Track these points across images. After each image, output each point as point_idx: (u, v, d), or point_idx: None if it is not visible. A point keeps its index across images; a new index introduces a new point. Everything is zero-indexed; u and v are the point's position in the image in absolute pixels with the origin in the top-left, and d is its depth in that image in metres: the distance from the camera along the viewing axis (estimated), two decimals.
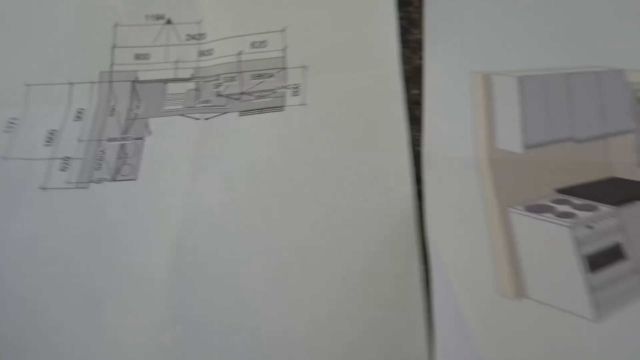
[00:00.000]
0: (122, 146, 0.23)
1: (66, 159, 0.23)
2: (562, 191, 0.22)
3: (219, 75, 0.24)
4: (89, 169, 0.23)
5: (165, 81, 0.24)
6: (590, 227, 0.20)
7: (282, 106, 0.23)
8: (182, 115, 0.24)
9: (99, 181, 0.23)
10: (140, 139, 0.23)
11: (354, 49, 0.24)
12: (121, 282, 0.20)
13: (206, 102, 0.24)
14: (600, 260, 0.20)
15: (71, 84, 0.24)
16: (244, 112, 0.23)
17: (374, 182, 0.21)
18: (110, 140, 0.23)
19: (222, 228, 0.21)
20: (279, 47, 0.24)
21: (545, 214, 0.20)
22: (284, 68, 0.24)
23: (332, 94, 0.23)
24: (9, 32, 0.25)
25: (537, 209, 0.21)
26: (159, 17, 0.25)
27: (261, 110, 0.23)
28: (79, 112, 0.24)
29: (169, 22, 0.25)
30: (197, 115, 0.24)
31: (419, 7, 0.25)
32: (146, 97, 0.24)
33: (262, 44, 0.24)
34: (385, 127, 0.22)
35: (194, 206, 0.21)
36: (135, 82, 0.24)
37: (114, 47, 0.25)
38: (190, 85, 0.24)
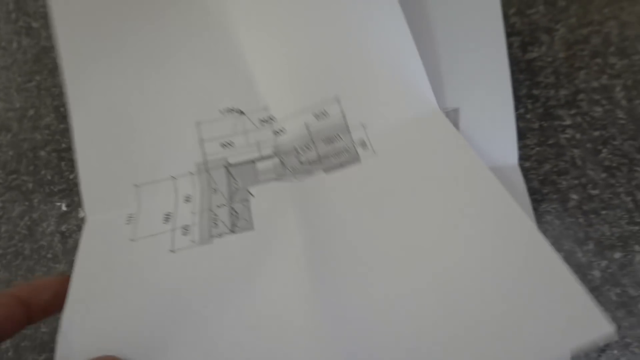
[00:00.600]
0: (232, 208, 0.25)
1: (185, 226, 0.25)
2: None
3: (296, 147, 0.27)
4: (208, 229, 0.24)
5: (253, 160, 0.27)
6: None
7: (358, 158, 0.26)
8: (276, 180, 0.26)
9: (220, 235, 0.24)
10: (246, 200, 0.25)
11: (398, 104, 0.27)
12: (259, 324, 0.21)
13: (293, 169, 0.27)
14: None
15: (174, 178, 0.27)
16: (329, 170, 0.26)
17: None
18: (219, 206, 0.25)
19: (344, 263, 0.22)
20: (338, 113, 0.27)
21: None
22: (347, 129, 0.27)
23: (395, 141, 0.26)
24: (114, 147, 0.27)
25: None
26: (231, 110, 0.28)
27: (341, 165, 0.26)
28: (187, 197, 0.26)
29: (240, 112, 0.28)
30: (290, 179, 0.26)
31: None
32: (240, 175, 0.27)
33: (324, 114, 0.27)
34: (454, 155, 0.24)
35: (311, 245, 0.23)
36: (227, 166, 0.27)
37: (201, 140, 0.27)
38: (275, 160, 0.27)
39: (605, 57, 0.31)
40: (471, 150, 0.23)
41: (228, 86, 0.28)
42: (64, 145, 0.31)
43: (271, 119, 0.28)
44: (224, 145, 0.27)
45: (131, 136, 0.28)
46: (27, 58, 0.33)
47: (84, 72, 0.28)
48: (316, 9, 0.28)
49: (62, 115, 0.32)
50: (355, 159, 0.26)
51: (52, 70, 0.33)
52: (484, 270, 0.20)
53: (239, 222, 0.25)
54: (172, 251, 0.24)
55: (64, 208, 0.29)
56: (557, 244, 0.26)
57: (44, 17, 0.34)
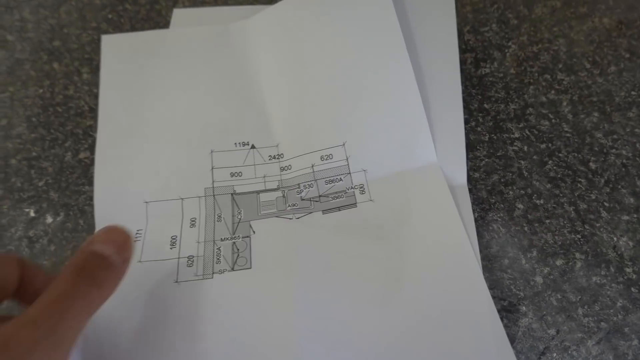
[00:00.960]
0: (234, 244, 0.27)
1: (190, 257, 0.27)
2: None
3: (299, 184, 0.29)
4: (210, 264, 0.27)
5: (258, 192, 0.29)
6: None
7: (355, 203, 0.28)
8: (277, 216, 0.28)
9: (221, 272, 0.26)
10: (247, 237, 0.27)
11: (400, 154, 0.29)
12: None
13: (293, 205, 0.28)
14: None
15: (182, 199, 0.29)
16: (326, 211, 0.28)
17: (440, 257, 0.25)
18: (223, 240, 0.27)
19: (331, 305, 0.25)
20: (343, 157, 0.29)
21: None
22: (349, 173, 0.29)
23: (390, 190, 0.28)
24: (130, 164, 0.29)
25: None
26: (244, 144, 0.30)
27: (339, 208, 0.28)
28: (192, 220, 0.28)
29: (253, 147, 0.30)
30: (289, 216, 0.28)
31: None
32: (244, 205, 0.29)
33: (329, 156, 0.29)
34: (440, 210, 0.27)
35: (302, 287, 0.25)
36: (233, 194, 0.29)
37: (212, 168, 0.29)
38: (278, 193, 0.29)
39: (554, 73, 0.32)
40: (455, 208, 0.27)
41: (245, 123, 0.31)
42: (34, 154, 0.32)
43: (280, 155, 0.30)
44: (232, 174, 0.29)
45: (148, 155, 0.30)
46: (2, 70, 0.35)
47: (117, 90, 0.31)
48: (333, 64, 0.31)
49: (33, 125, 0.33)
50: (352, 203, 0.28)
51: (25, 81, 0.34)
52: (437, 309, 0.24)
53: (239, 259, 0.27)
54: (177, 282, 0.26)
55: (32, 214, 0.30)
56: (502, 251, 0.27)
57: (19, 31, 0.36)
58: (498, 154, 0.30)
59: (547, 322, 0.26)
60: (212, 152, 0.30)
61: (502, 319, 0.25)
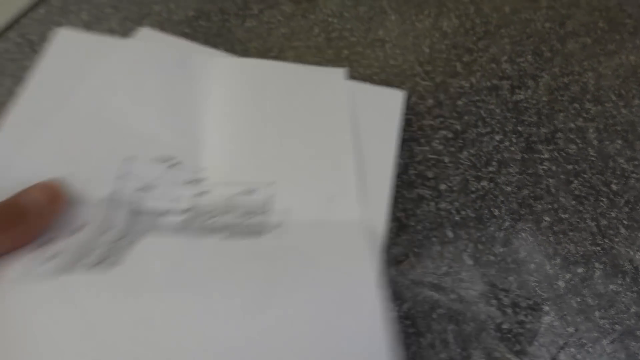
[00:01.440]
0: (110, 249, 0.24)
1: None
2: None
3: (211, 211, 0.27)
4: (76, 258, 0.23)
5: (163, 212, 0.26)
6: None
7: (265, 233, 0.26)
8: (168, 237, 0.25)
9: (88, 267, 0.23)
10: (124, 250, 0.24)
11: (327, 205, 0.28)
12: None
13: (197, 228, 0.26)
14: None
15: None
16: (228, 237, 0.26)
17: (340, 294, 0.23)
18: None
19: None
20: (268, 194, 0.28)
21: None
22: (270, 210, 0.27)
23: (307, 234, 0.26)
24: (31, 149, 0.27)
25: None
26: (168, 159, 0.28)
27: (246, 234, 0.26)
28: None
29: (174, 164, 0.28)
30: (185, 235, 0.26)
31: None
32: (138, 222, 0.26)
33: (255, 191, 0.28)
34: (353, 264, 0.24)
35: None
36: (133, 209, 0.26)
37: (119, 177, 0.27)
38: (184, 216, 0.27)
39: (582, 103, 0.36)
40: (373, 269, 0.24)
41: (174, 141, 0.29)
42: None
43: (201, 180, 0.28)
44: (140, 189, 0.27)
45: (55, 149, 0.27)
46: None
47: (49, 81, 0.30)
48: (278, 115, 0.31)
49: None
50: (262, 232, 0.26)
51: None
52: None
53: (108, 260, 0.24)
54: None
55: None
56: (529, 256, 0.31)
57: None
58: (529, 172, 0.34)
59: (567, 321, 0.29)
60: (124, 160, 0.28)
61: (527, 315, 0.29)
